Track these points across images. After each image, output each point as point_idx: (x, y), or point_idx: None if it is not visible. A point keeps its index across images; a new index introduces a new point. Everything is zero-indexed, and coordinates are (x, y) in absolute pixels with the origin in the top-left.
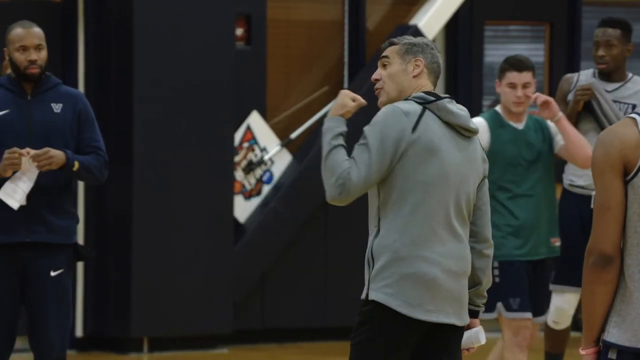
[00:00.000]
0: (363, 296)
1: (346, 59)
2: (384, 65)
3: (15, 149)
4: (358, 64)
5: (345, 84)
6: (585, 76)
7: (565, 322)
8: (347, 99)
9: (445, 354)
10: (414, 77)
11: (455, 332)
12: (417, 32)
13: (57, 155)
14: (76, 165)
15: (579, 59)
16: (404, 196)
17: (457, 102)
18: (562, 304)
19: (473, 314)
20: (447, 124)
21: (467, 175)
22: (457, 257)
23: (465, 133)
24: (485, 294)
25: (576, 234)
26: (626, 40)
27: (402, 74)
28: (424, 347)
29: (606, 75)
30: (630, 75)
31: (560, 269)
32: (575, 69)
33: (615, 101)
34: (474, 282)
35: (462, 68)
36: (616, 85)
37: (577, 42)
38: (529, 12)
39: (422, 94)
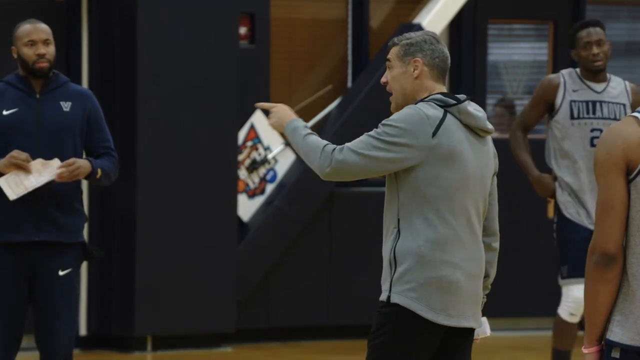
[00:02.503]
0: (383, 298)
1: (350, 58)
2: (389, 68)
3: (26, 155)
4: (362, 62)
5: (349, 83)
6: (571, 79)
7: (580, 315)
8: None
9: (459, 355)
10: (416, 78)
11: (470, 334)
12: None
13: (83, 165)
14: (99, 173)
15: None
16: (428, 201)
17: None
18: (581, 295)
19: None
20: (466, 126)
21: (484, 176)
22: (476, 260)
23: (482, 134)
24: (490, 286)
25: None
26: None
27: (403, 76)
28: (440, 349)
29: (596, 73)
30: (609, 75)
31: (571, 263)
32: None
33: (607, 102)
34: None
35: (466, 67)
36: (603, 85)
37: None
38: (532, 11)
39: (441, 96)
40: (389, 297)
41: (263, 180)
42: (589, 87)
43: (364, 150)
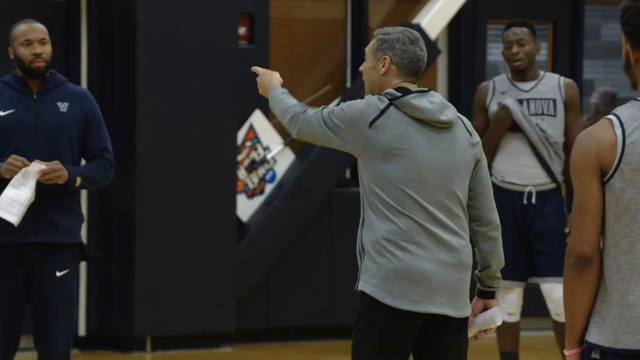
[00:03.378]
0: (355, 287)
1: (349, 58)
2: (365, 59)
3: (23, 159)
4: (361, 62)
5: (348, 83)
6: (500, 82)
7: (518, 313)
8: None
9: (443, 348)
10: (382, 75)
11: (450, 325)
12: (419, 31)
13: (65, 174)
14: (78, 181)
15: (582, 58)
16: (375, 193)
17: (460, 101)
18: (515, 295)
19: (488, 295)
20: (416, 119)
21: (448, 168)
22: (451, 248)
23: (439, 126)
24: (499, 274)
25: (510, 230)
26: (534, 39)
27: (372, 71)
28: (421, 342)
29: (521, 73)
30: (542, 72)
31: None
32: (578, 67)
33: (534, 99)
34: (483, 266)
35: (465, 67)
36: (532, 83)
37: (580, 41)
38: (531, 11)
39: (392, 90)
40: (357, 285)
41: (262, 180)
42: (516, 87)
43: (318, 122)
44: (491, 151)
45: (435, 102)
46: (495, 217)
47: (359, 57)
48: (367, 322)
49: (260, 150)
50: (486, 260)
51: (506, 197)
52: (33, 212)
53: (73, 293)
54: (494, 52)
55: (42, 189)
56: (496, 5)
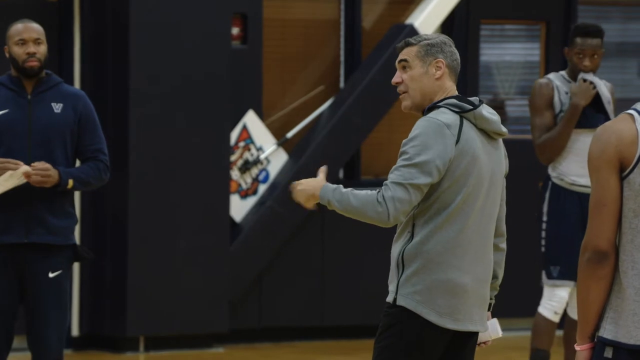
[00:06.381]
0: (390, 299)
1: (342, 58)
2: (404, 68)
3: (20, 166)
4: (354, 63)
5: (341, 83)
6: (558, 80)
7: (561, 314)
8: (314, 183)
9: (463, 357)
10: (437, 79)
11: (474, 336)
12: (413, 31)
13: (53, 175)
14: (70, 183)
15: None
16: (445, 206)
17: None
18: (566, 295)
19: (489, 306)
20: (480, 129)
21: (496, 179)
22: (485, 263)
23: (496, 137)
24: (498, 287)
25: (574, 230)
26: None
27: (424, 77)
28: (445, 350)
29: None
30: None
31: (563, 265)
32: None
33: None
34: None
35: None
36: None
37: None
38: (524, 11)
39: (455, 100)
40: (395, 299)
41: (255, 180)
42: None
43: (408, 181)
44: (563, 147)
45: (494, 113)
46: (505, 229)
47: (352, 58)
48: (400, 329)
49: (253, 150)
50: (494, 271)
51: (574, 199)
52: (25, 212)
53: (66, 293)
54: (487, 53)
55: (35, 190)
56: (489, 5)
